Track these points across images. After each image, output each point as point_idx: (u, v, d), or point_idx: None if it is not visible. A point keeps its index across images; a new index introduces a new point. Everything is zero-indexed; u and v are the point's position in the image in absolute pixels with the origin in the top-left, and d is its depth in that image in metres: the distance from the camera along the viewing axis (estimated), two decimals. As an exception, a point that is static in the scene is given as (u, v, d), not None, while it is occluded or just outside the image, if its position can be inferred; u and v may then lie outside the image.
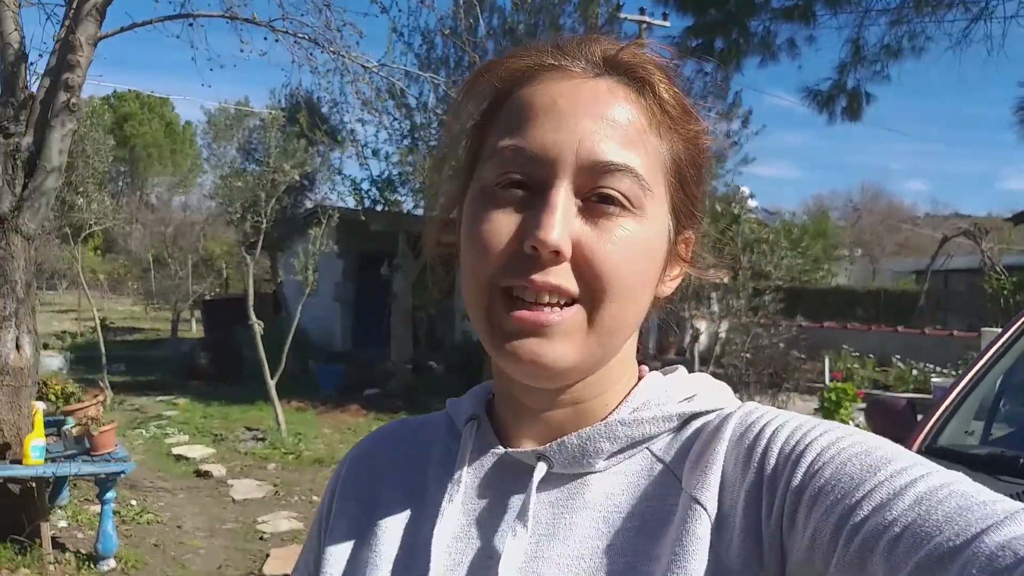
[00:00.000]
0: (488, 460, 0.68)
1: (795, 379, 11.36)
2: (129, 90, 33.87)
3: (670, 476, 0.62)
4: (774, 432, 0.58)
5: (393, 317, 13.25)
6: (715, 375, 0.70)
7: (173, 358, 14.58)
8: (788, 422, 0.59)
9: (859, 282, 29.32)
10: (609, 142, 0.58)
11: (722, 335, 11.52)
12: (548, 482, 0.64)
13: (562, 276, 0.57)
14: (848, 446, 0.54)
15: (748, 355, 11.06)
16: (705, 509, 0.57)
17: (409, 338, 13.11)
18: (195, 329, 22.12)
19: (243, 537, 5.65)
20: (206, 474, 7.23)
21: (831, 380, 10.21)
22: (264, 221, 9.22)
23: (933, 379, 11.70)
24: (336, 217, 9.62)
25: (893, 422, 3.13)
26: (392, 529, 0.68)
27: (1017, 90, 8.88)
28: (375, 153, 11.53)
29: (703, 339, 12.23)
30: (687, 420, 0.65)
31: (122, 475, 4.83)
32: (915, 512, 0.46)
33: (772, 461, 0.56)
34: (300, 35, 5.41)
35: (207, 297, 19.32)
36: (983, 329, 11.61)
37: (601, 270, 0.58)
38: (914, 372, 12.54)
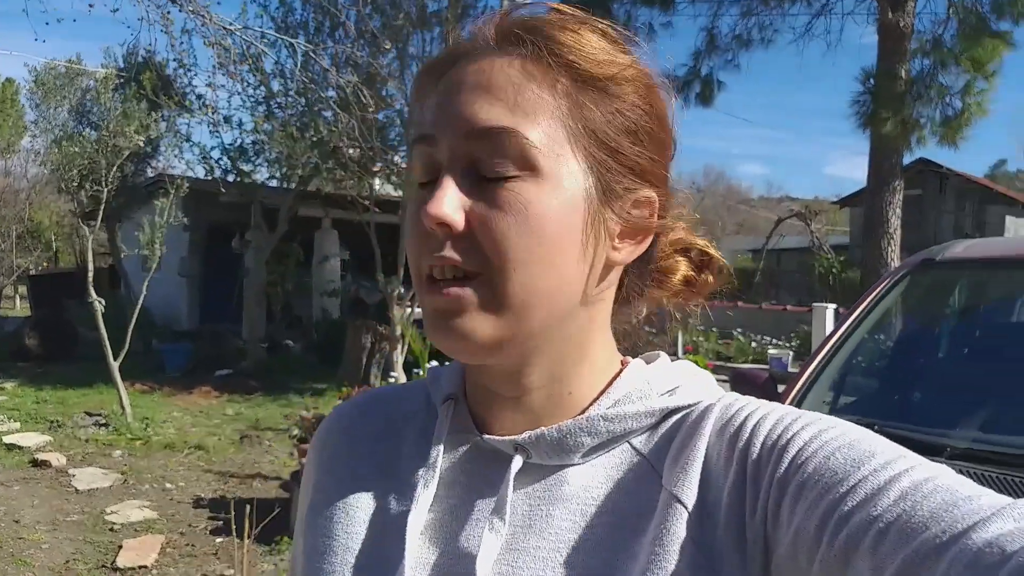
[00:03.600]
0: (464, 445, 0.66)
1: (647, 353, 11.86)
2: (-64, 41, 30.33)
3: (650, 470, 0.61)
4: (756, 424, 0.57)
5: (245, 293, 12.73)
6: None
7: (-4, 338, 13.35)
8: (770, 414, 0.58)
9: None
10: (485, 109, 0.57)
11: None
12: (525, 473, 0.63)
13: (454, 249, 0.57)
14: (832, 439, 0.53)
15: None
16: (685, 506, 0.56)
17: (263, 315, 12.63)
18: (19, 306, 20.38)
19: (91, 529, 5.26)
20: (44, 463, 6.67)
21: (683, 353, 10.73)
22: (104, 190, 8.56)
23: (770, 350, 12.54)
24: (184, 187, 9.07)
25: (757, 393, 3.31)
26: (363, 508, 0.67)
27: (849, 81, 9.59)
28: (227, 120, 10.92)
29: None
30: (668, 413, 0.64)
31: (-50, 469, 4.38)
32: (900, 507, 0.46)
33: (755, 454, 0.56)
34: (154, -9, 5.01)
35: (33, 272, 17.78)
36: (814, 304, 12.55)
37: (493, 238, 0.57)
38: (753, 344, 13.40)
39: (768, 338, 13.54)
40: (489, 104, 0.58)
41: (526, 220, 0.57)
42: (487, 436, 0.64)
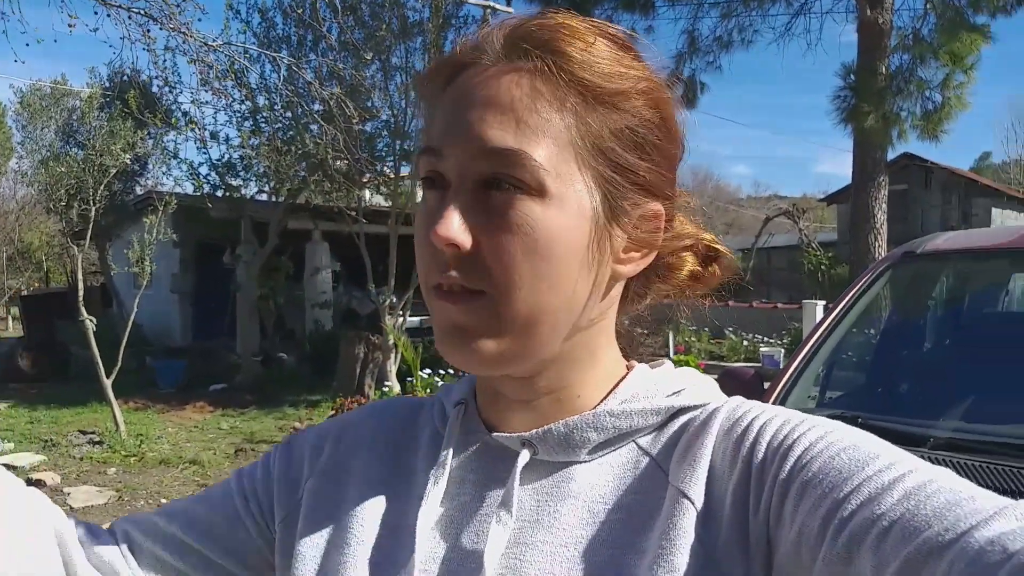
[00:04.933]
0: (473, 444, 0.68)
1: (639, 354, 11.86)
2: (-80, 65, 30.10)
3: (656, 469, 0.62)
4: (762, 426, 0.59)
5: (238, 308, 12.71)
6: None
7: (-12, 360, 13.30)
8: (776, 417, 0.60)
9: (692, 260, 30.91)
10: (494, 129, 0.57)
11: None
12: (533, 469, 0.64)
13: (462, 269, 0.58)
14: (836, 440, 0.55)
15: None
16: (692, 502, 0.57)
17: (256, 329, 12.61)
18: (12, 327, 20.30)
19: (86, 548, 5.27)
20: (38, 483, 6.64)
21: (675, 353, 10.76)
22: (92, 209, 8.56)
23: (762, 348, 12.57)
24: (173, 203, 9.07)
25: (744, 390, 3.31)
26: (374, 509, 0.68)
27: (832, 79, 9.70)
28: (214, 136, 10.94)
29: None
30: (674, 414, 0.65)
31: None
32: (903, 507, 0.47)
33: (760, 455, 0.57)
34: (135, 9, 5.04)
35: (25, 292, 17.72)
36: (804, 302, 12.60)
37: (500, 260, 0.57)
38: (744, 343, 13.44)
39: (760, 336, 13.59)
40: (499, 124, 0.57)
41: (533, 241, 0.57)
42: (495, 434, 0.66)
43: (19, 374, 11.87)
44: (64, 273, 21.00)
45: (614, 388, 0.67)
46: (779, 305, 15.19)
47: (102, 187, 8.65)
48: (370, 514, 0.67)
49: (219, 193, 11.81)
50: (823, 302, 11.68)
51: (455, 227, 0.57)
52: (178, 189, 11.57)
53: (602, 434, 0.63)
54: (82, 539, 0.71)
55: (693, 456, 0.60)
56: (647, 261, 0.66)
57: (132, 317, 8.90)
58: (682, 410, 0.65)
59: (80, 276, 8.67)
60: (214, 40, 6.32)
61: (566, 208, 0.58)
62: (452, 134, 0.59)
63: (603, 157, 0.60)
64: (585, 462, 0.63)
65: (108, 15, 5.20)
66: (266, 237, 11.81)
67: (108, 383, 8.09)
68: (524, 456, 0.63)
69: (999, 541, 0.42)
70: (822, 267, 15.86)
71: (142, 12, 5.28)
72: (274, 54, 8.47)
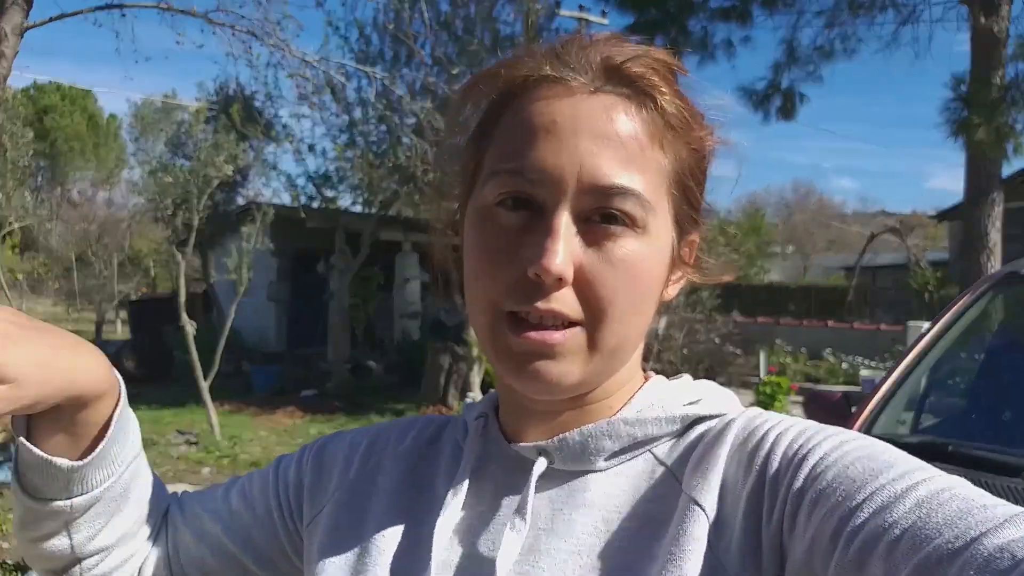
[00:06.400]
0: (492, 454, 0.69)
1: (729, 373, 11.61)
2: (50, 81, 32.44)
3: (671, 479, 0.62)
4: (777, 437, 0.59)
5: (330, 316, 13.06)
6: (653, 370, 0.72)
7: (100, 360, 14.07)
8: (792, 427, 0.59)
9: (791, 278, 30.08)
10: (610, 163, 0.57)
11: (661, 331, 11.67)
12: (549, 478, 0.65)
13: (563, 302, 0.58)
14: (851, 450, 0.54)
15: (685, 350, 11.27)
16: (704, 510, 0.57)
17: (347, 337, 12.93)
18: (121, 330, 21.46)
19: (175, 544, 5.47)
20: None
21: (767, 374, 10.43)
22: (196, 218, 8.96)
23: (862, 372, 12.07)
24: (271, 214, 9.41)
25: (829, 414, 3.20)
26: (396, 521, 0.69)
27: (943, 91, 9.24)
28: (311, 149, 11.33)
29: (643, 335, 12.40)
30: (691, 424, 0.65)
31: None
32: (915, 515, 0.47)
33: (775, 465, 0.57)
34: (237, 27, 5.27)
35: (133, 297, 18.71)
36: (909, 323, 12.02)
37: (603, 294, 0.58)
38: (844, 365, 12.93)
39: (860, 358, 13.03)
40: (613, 159, 0.58)
41: (633, 276, 0.59)
42: (514, 444, 0.67)
43: (124, 375, 12.32)
44: (170, 279, 22.09)
45: (631, 397, 0.67)
46: (882, 327, 14.55)
47: (205, 197, 9.03)
48: (392, 525, 0.69)
49: (315, 204, 12.20)
50: (928, 323, 11.09)
51: (563, 262, 0.56)
52: (276, 200, 12.03)
53: (617, 442, 0.64)
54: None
55: (707, 465, 0.60)
56: (681, 284, 0.69)
57: (230, 323, 9.26)
58: (699, 420, 0.65)
59: (182, 282, 9.08)
60: (312, 56, 6.54)
61: (656, 243, 0.61)
62: (556, 161, 0.57)
63: (683, 195, 0.63)
64: (601, 471, 0.64)
65: (213, 32, 5.45)
66: (359, 247, 12.11)
67: (205, 386, 8.44)
68: (540, 464, 0.64)
69: (1008, 548, 0.42)
70: (929, 287, 15.11)
71: (244, 29, 5.51)
72: (367, 69, 8.69)
